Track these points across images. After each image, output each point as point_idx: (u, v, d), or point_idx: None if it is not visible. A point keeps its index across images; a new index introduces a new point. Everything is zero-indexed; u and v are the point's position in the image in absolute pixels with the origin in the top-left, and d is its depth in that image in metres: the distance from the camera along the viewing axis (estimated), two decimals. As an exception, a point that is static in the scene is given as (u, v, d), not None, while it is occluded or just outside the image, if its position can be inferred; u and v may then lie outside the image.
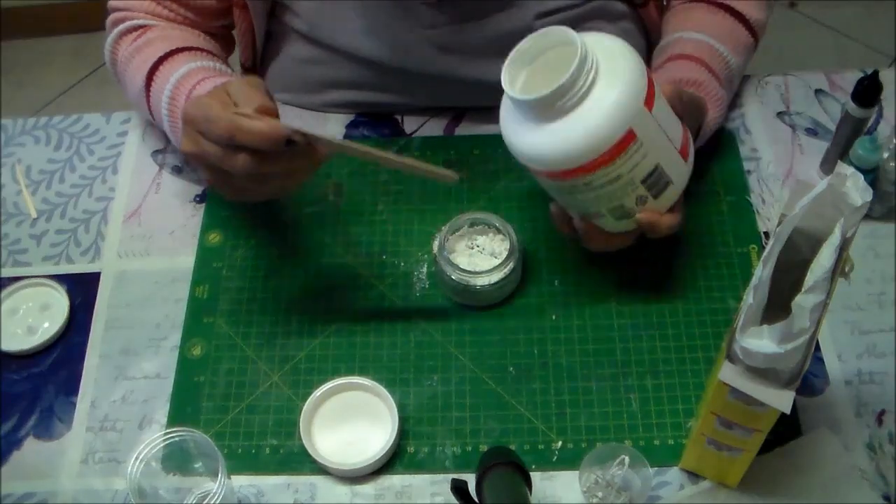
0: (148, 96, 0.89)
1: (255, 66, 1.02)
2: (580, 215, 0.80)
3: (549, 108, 0.70)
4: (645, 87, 0.71)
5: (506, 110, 0.76)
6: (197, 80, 0.85)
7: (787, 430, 0.78)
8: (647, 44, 1.07)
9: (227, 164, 0.68)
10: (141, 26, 0.92)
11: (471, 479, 0.72)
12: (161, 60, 0.88)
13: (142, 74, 0.89)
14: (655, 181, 0.75)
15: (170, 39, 0.91)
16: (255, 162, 0.68)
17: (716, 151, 0.95)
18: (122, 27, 0.92)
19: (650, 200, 0.76)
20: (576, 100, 0.70)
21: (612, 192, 0.74)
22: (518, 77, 0.74)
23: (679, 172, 0.77)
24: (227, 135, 0.67)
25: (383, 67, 0.94)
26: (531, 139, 0.73)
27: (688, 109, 0.80)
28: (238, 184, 0.71)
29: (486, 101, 0.98)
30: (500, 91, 0.96)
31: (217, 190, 0.73)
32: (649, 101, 0.72)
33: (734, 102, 0.99)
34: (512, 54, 0.74)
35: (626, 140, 0.71)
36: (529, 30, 0.93)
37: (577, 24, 0.96)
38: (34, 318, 0.88)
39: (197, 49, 0.92)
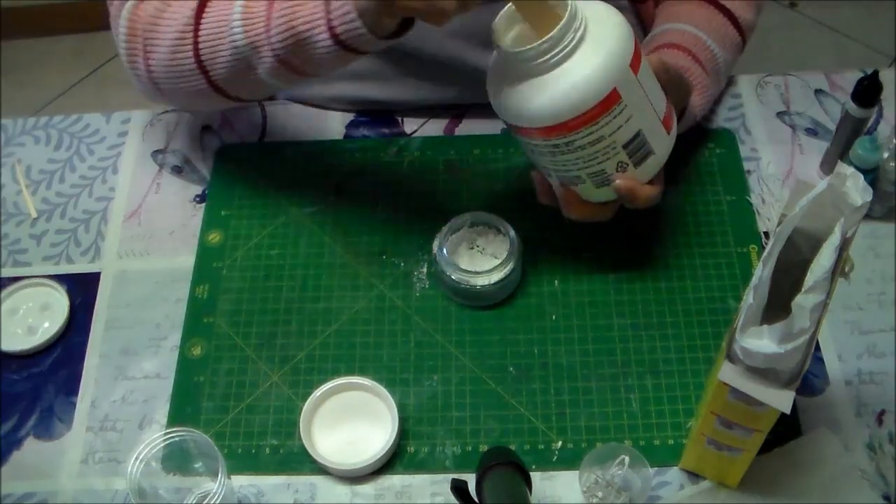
0: (197, 25, 0.79)
1: None
2: (560, 181, 0.80)
3: (536, 62, 0.71)
4: (632, 50, 0.72)
5: (494, 67, 0.77)
6: None
7: (787, 430, 0.78)
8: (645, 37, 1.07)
9: None
10: None
11: (471, 479, 0.72)
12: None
13: (188, 7, 0.80)
14: (637, 148, 0.75)
15: None
16: None
17: (716, 151, 0.95)
18: None
19: (630, 168, 0.77)
20: (562, 55, 0.71)
21: (593, 154, 0.75)
22: (509, 32, 0.75)
23: (661, 143, 0.77)
24: None
25: (390, 52, 0.94)
26: (516, 95, 0.73)
27: (673, 83, 0.80)
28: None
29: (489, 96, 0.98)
30: None
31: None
32: (635, 64, 0.72)
33: (734, 102, 0.99)
34: (505, 9, 0.74)
35: (611, 100, 0.71)
36: None
37: None
38: (34, 318, 0.88)
39: None
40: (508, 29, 0.75)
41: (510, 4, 0.74)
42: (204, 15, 0.79)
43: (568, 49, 0.71)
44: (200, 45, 0.79)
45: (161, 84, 0.84)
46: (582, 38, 0.71)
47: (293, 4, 0.73)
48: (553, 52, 0.71)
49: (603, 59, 0.71)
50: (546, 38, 0.70)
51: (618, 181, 0.77)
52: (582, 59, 0.71)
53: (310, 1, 0.73)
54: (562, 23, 0.70)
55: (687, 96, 0.86)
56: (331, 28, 0.72)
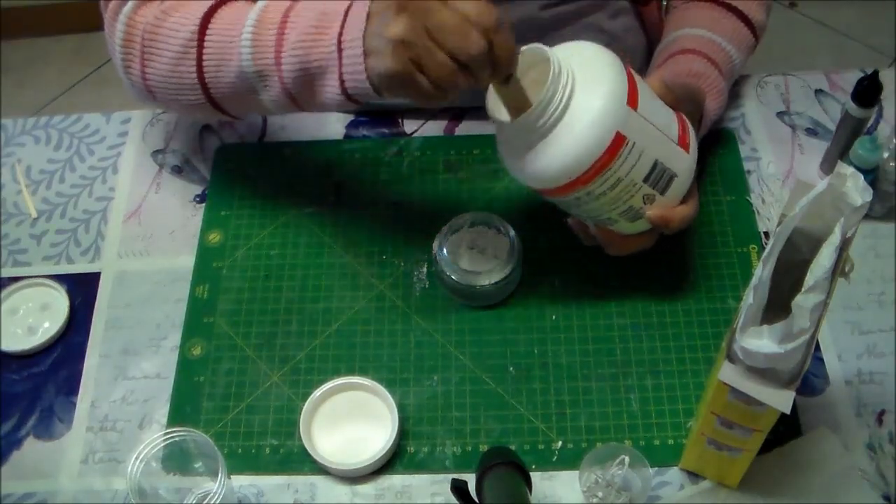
0: (201, 41, 0.78)
1: None
2: (594, 223, 0.81)
3: (534, 128, 0.71)
4: (625, 87, 0.72)
5: (499, 136, 0.77)
6: (290, 3, 0.76)
7: (787, 430, 0.78)
8: (648, 41, 1.07)
9: (450, 80, 0.65)
10: None
11: (471, 479, 0.72)
12: (216, 6, 0.78)
13: (191, 21, 0.78)
14: (658, 177, 0.75)
15: None
16: (476, 83, 0.66)
17: (716, 151, 0.95)
18: None
19: (658, 197, 0.76)
20: (557, 115, 0.70)
21: (616, 196, 0.75)
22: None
23: (682, 164, 0.77)
24: (490, 23, 0.63)
25: None
26: (525, 161, 0.74)
27: (683, 98, 0.80)
28: (423, 85, 0.67)
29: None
30: None
31: (396, 83, 0.68)
32: (632, 99, 0.72)
33: (734, 102, 0.99)
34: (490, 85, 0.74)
35: (616, 144, 0.71)
36: (535, 19, 0.93)
37: (579, 16, 0.97)
38: (34, 318, 0.88)
39: None
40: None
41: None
42: (209, 31, 0.78)
43: (560, 108, 0.70)
44: (205, 63, 0.78)
45: (157, 93, 0.83)
46: (572, 92, 0.71)
47: (307, 41, 0.73)
48: (546, 116, 0.70)
49: (598, 106, 0.70)
50: (535, 104, 0.70)
51: (649, 213, 0.77)
52: (578, 113, 0.71)
53: (323, 38, 0.72)
54: (548, 84, 0.69)
55: (701, 104, 0.85)
56: (341, 80, 0.72)
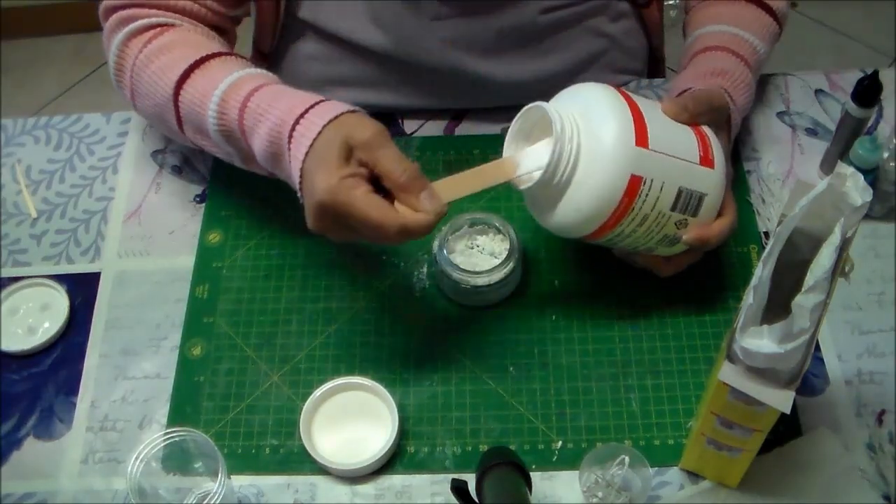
0: (177, 107, 0.83)
1: (269, 54, 1.02)
2: (638, 254, 0.82)
3: (549, 186, 0.72)
4: (631, 128, 0.72)
5: (526, 196, 0.79)
6: (251, 87, 0.79)
7: (787, 430, 0.78)
8: (649, 43, 1.07)
9: (376, 241, 0.71)
10: (154, 25, 0.85)
11: (471, 479, 0.72)
12: (192, 69, 0.82)
13: (167, 82, 0.82)
14: (686, 203, 0.75)
15: (191, 45, 0.84)
16: (403, 237, 0.70)
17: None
18: (132, 27, 0.85)
19: (691, 220, 0.76)
20: (569, 172, 0.71)
21: (647, 230, 0.75)
22: (524, 153, 0.76)
23: (709, 182, 0.76)
24: (397, 238, 0.69)
25: (390, 61, 0.94)
26: (550, 215, 0.75)
27: (700, 112, 0.79)
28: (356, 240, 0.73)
29: (490, 100, 0.99)
30: (504, 90, 0.97)
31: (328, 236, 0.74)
32: (641, 138, 0.72)
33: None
34: (507, 137, 0.76)
35: (633, 186, 0.71)
36: (533, 24, 0.93)
37: (580, 21, 0.97)
38: (34, 318, 0.88)
39: (226, 54, 0.85)
40: (520, 149, 0.76)
41: (510, 131, 0.76)
42: (181, 100, 0.82)
43: (570, 165, 0.71)
44: (184, 126, 0.84)
45: (147, 120, 0.90)
46: (579, 146, 0.71)
47: (267, 157, 0.77)
48: (559, 175, 0.71)
49: (607, 155, 0.71)
50: (543, 171, 0.71)
51: (685, 237, 0.77)
52: (588, 165, 0.71)
53: (283, 161, 0.76)
54: (553, 145, 0.70)
55: (724, 107, 0.83)
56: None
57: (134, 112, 1.03)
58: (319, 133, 0.72)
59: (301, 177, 0.73)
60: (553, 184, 0.72)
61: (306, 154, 0.72)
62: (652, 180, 0.72)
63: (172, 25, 0.86)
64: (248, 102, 0.77)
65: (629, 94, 0.75)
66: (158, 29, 0.85)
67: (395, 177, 0.69)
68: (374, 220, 0.68)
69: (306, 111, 0.74)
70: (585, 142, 0.71)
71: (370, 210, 0.68)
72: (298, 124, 0.73)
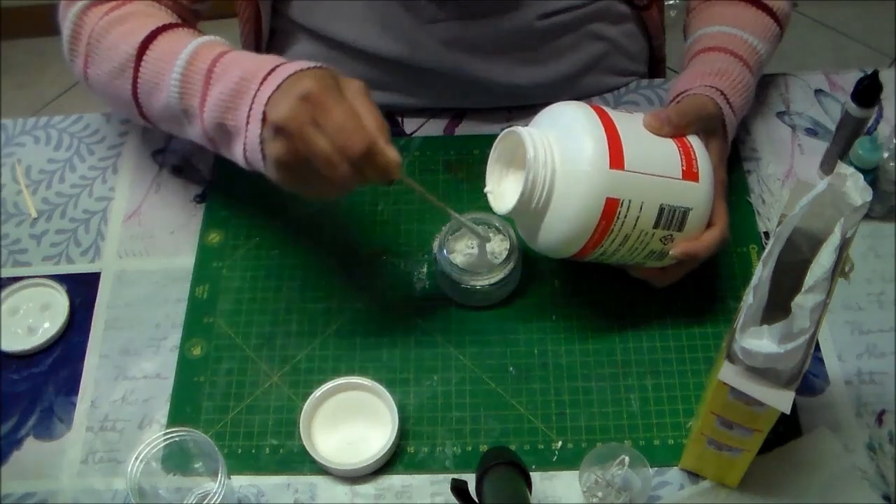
0: (137, 65, 0.81)
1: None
2: (631, 267, 0.82)
3: (528, 211, 0.73)
4: (605, 151, 0.72)
5: (514, 218, 0.79)
6: (223, 49, 0.78)
7: (787, 430, 0.78)
8: (650, 46, 1.07)
9: (326, 167, 0.67)
10: None
11: (471, 479, 0.72)
12: (157, 32, 0.81)
13: (131, 43, 0.81)
14: (669, 219, 0.75)
15: (157, 16, 0.84)
16: (354, 177, 0.68)
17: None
18: None
19: (676, 235, 0.77)
20: (545, 196, 0.72)
21: (631, 248, 0.76)
22: (506, 177, 0.78)
23: (693, 196, 0.76)
24: (361, 149, 0.67)
25: (388, 64, 0.94)
26: (535, 237, 0.77)
27: (687, 124, 0.78)
28: (310, 177, 0.69)
29: (489, 101, 0.99)
30: (503, 92, 0.97)
31: (280, 173, 0.70)
32: (616, 160, 0.72)
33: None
34: (489, 162, 0.77)
35: (609, 209, 0.72)
36: (531, 29, 0.93)
37: (580, 25, 0.96)
38: (34, 318, 0.88)
39: (192, 27, 0.85)
40: (503, 174, 0.78)
41: (489, 158, 0.77)
42: (145, 57, 0.80)
43: (546, 190, 0.72)
44: (139, 86, 0.82)
45: (97, 93, 0.88)
46: (554, 172, 0.72)
47: (226, 100, 0.74)
48: (535, 200, 0.72)
49: (581, 180, 0.71)
50: (517, 199, 0.72)
51: (672, 252, 0.77)
52: (563, 189, 0.72)
53: (237, 103, 0.73)
54: (526, 171, 0.71)
55: (714, 112, 0.82)
56: (244, 149, 0.74)
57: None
58: (305, 69, 0.71)
59: (268, 100, 0.70)
60: (530, 210, 0.73)
61: (285, 79, 0.70)
62: (630, 201, 0.72)
63: (130, 0, 0.85)
64: (225, 55, 0.77)
65: (608, 111, 0.75)
66: (119, 1, 0.85)
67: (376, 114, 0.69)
68: (359, 111, 0.67)
69: (288, 62, 0.73)
70: (560, 166, 0.72)
71: (358, 100, 0.68)
72: (280, 67, 0.72)
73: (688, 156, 0.77)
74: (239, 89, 0.73)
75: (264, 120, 0.70)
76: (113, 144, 1.01)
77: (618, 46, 1.01)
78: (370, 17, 0.92)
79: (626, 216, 0.73)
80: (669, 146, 0.76)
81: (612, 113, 0.75)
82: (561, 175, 0.72)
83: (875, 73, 0.84)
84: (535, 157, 0.71)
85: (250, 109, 0.72)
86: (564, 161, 0.72)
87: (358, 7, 0.92)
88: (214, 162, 0.98)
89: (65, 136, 1.02)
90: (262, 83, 0.72)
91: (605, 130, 0.73)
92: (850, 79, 0.99)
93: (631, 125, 0.75)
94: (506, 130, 0.75)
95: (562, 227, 0.73)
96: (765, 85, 1.01)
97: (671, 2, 1.05)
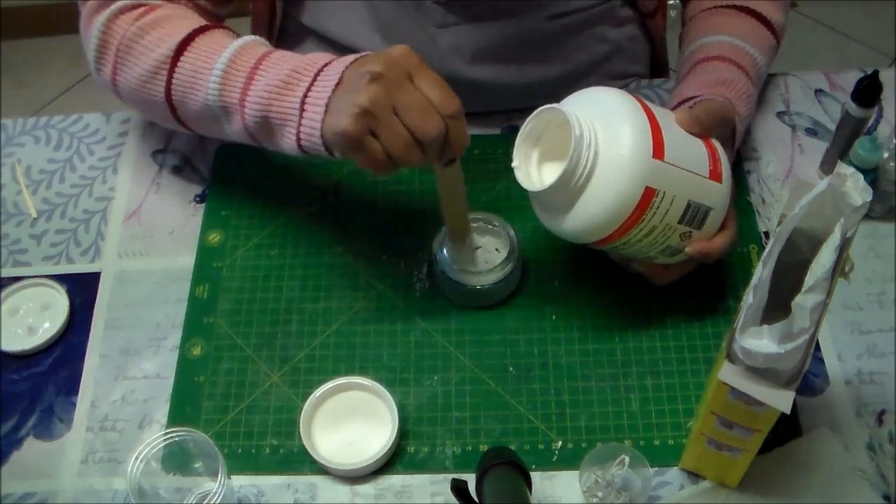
0: (174, 66, 0.80)
1: None
2: (636, 260, 0.82)
3: (563, 190, 0.72)
4: (650, 139, 0.71)
5: (533, 199, 0.78)
6: (268, 49, 0.79)
7: (787, 430, 0.78)
8: (652, 50, 1.07)
9: (403, 153, 0.69)
10: (143, 5, 0.84)
11: (471, 479, 0.72)
12: (196, 33, 0.81)
13: (168, 45, 0.81)
14: (693, 216, 0.75)
15: (192, 19, 0.84)
16: (422, 159, 0.70)
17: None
18: (119, 5, 0.83)
19: (695, 233, 0.77)
20: (584, 177, 0.71)
21: (653, 240, 0.75)
22: (531, 157, 0.76)
23: (716, 196, 0.76)
24: (436, 136, 0.68)
25: None
26: (559, 220, 0.75)
27: (713, 126, 0.78)
28: (377, 153, 0.70)
29: (492, 104, 0.98)
30: (506, 94, 0.97)
31: (348, 145, 0.70)
32: (658, 150, 0.71)
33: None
34: (518, 138, 0.75)
35: (646, 199, 0.71)
36: (539, 32, 0.93)
37: (584, 27, 0.96)
38: (34, 318, 0.88)
39: (227, 29, 0.84)
40: (529, 154, 0.76)
41: (519, 133, 0.75)
42: (183, 57, 0.80)
43: (586, 171, 0.71)
44: (174, 86, 0.81)
45: (125, 98, 0.87)
46: (597, 154, 0.71)
47: (273, 93, 0.75)
48: (574, 180, 0.71)
49: (624, 166, 0.70)
50: (559, 176, 0.70)
51: (688, 249, 0.77)
52: (604, 173, 0.71)
53: (288, 95, 0.74)
54: (572, 150, 0.70)
55: (732, 120, 0.83)
56: (298, 136, 0.74)
57: (134, 112, 1.02)
58: (368, 55, 0.72)
59: (339, 80, 0.71)
60: (567, 189, 0.72)
61: (348, 66, 0.72)
62: (664, 193, 0.72)
63: (160, 6, 0.85)
64: (272, 53, 0.78)
65: (646, 102, 0.74)
66: (147, 6, 0.84)
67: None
68: (429, 95, 0.69)
69: (339, 58, 0.75)
70: (603, 148, 0.71)
71: (426, 80, 0.69)
72: (334, 61, 0.74)
73: (714, 156, 0.77)
74: (289, 81, 0.74)
75: (326, 108, 0.71)
76: (113, 144, 1.01)
77: (621, 49, 1.01)
78: (378, 20, 0.92)
79: (658, 207, 0.72)
80: (699, 144, 0.76)
81: (650, 104, 0.75)
82: (603, 158, 0.71)
83: (875, 73, 0.84)
84: (580, 133, 0.70)
85: (305, 98, 0.73)
86: (607, 144, 0.71)
87: (366, 11, 0.92)
88: (214, 162, 0.98)
89: (65, 136, 1.02)
90: (316, 76, 0.73)
91: (648, 119, 0.72)
92: (850, 79, 0.99)
93: (666, 119, 0.75)
94: (542, 107, 0.74)
95: (595, 211, 0.72)
96: (765, 85, 1.01)
97: (671, 2, 1.05)
